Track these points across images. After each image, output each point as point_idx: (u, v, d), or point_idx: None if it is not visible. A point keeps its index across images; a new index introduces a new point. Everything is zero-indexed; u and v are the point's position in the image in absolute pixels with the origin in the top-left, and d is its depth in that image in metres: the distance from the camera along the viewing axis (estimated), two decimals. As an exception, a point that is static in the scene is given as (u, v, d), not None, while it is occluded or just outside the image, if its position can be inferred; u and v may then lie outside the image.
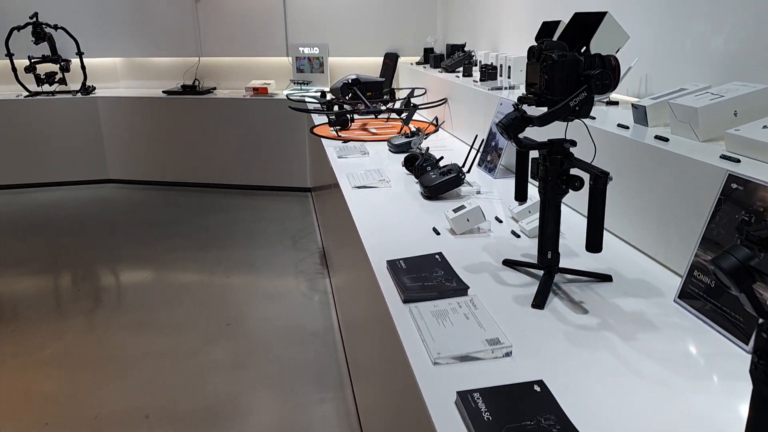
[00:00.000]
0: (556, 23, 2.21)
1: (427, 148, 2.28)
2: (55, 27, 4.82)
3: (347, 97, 3.19)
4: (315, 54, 4.88)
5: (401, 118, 3.07)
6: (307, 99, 4.46)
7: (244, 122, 4.78)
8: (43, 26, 4.78)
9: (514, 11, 3.11)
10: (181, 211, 4.48)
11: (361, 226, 1.68)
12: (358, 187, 2.06)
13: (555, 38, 2.29)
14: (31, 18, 4.74)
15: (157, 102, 4.91)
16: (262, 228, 4.01)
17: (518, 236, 1.58)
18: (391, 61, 4.68)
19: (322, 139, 2.96)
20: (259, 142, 4.79)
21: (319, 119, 3.32)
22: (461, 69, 3.27)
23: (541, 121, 1.14)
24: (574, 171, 1.21)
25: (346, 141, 2.86)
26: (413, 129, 2.70)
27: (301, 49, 4.88)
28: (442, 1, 4.62)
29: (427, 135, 2.63)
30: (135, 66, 5.35)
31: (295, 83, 4.86)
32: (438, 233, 1.61)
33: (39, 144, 4.98)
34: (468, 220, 1.60)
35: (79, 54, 4.97)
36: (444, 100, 3.05)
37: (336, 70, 4.96)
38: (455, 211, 1.61)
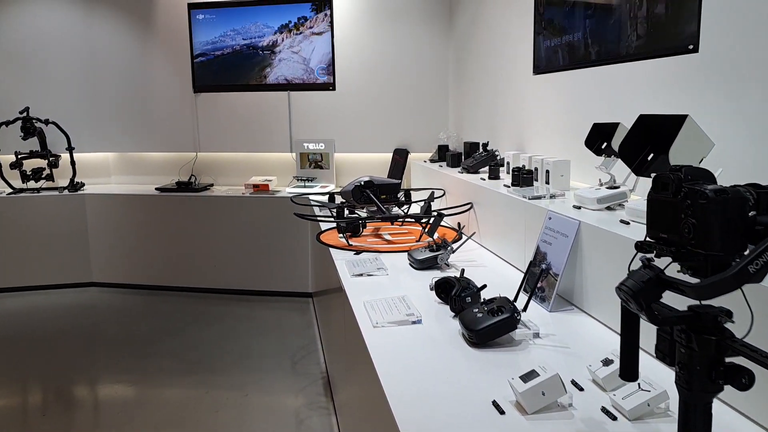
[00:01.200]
0: (612, 126, 1.88)
1: (462, 271, 1.87)
2: (46, 122, 4.58)
3: (359, 201, 2.84)
4: (320, 150, 4.61)
5: (421, 224, 2.70)
6: (311, 197, 4.14)
7: (242, 222, 4.42)
8: (33, 121, 4.54)
9: (540, 107, 2.84)
10: (169, 321, 4.01)
11: (391, 393, 1.24)
12: (381, 326, 1.63)
13: (615, 143, 1.98)
14: (21, 113, 4.50)
15: (149, 200, 4.58)
16: (257, 345, 3.53)
17: (614, 418, 1.14)
18: (400, 158, 4.40)
19: (331, 249, 2.57)
20: (257, 244, 4.41)
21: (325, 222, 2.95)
22: (485, 170, 2.95)
23: (703, 292, 0.74)
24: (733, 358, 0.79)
25: (358, 252, 2.47)
26: (437, 237, 2.32)
27: (305, 144, 4.63)
28: (455, 96, 4.40)
29: (454, 248, 2.24)
30: (128, 161, 5.08)
31: (298, 180, 4.56)
32: (501, 411, 1.17)
33: (19, 245, 4.59)
34: (544, 394, 1.16)
35: (70, 149, 4.70)
36: (469, 206, 2.69)
37: (342, 166, 4.68)
38: (524, 379, 1.18)
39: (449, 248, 2.22)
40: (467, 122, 4.05)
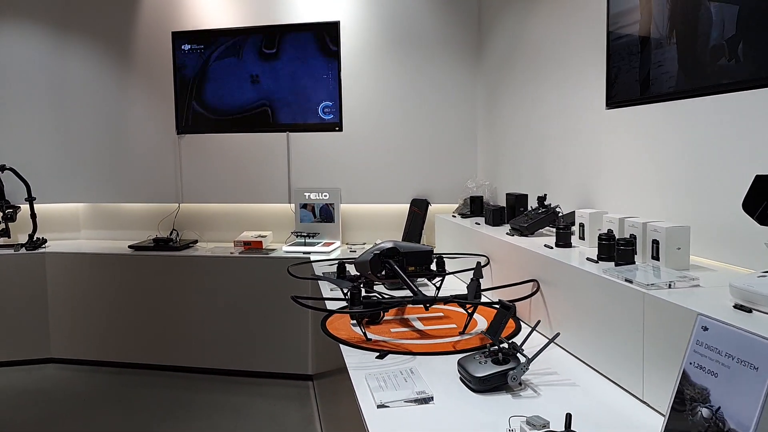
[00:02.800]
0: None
1: (568, 418, 1.14)
2: (2, 168, 3.90)
3: (380, 275, 2.11)
4: (325, 200, 3.91)
5: (466, 310, 1.96)
6: (313, 259, 3.42)
7: (231, 287, 3.68)
8: (-14, 168, 3.86)
9: (618, 150, 2.15)
10: (136, 413, 3.22)
11: None
12: None
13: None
14: (-28, 159, 3.83)
15: (122, 260, 3.85)
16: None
17: None
18: (420, 210, 3.70)
19: (342, 345, 1.83)
20: (248, 314, 3.66)
21: (327, 288, 2.21)
22: (545, 231, 2.24)
23: None
24: None
25: (381, 354, 1.73)
26: (492, 334, 1.58)
27: (307, 194, 3.93)
28: (486, 138, 3.73)
29: (530, 356, 1.50)
30: (101, 213, 4.37)
31: (297, 236, 3.84)
32: None
33: (-38, 314, 3.84)
34: None
35: (30, 199, 4.00)
36: (535, 288, 1.96)
37: (350, 219, 3.97)
38: None
39: (523, 359, 1.47)
40: (503, 169, 3.36)
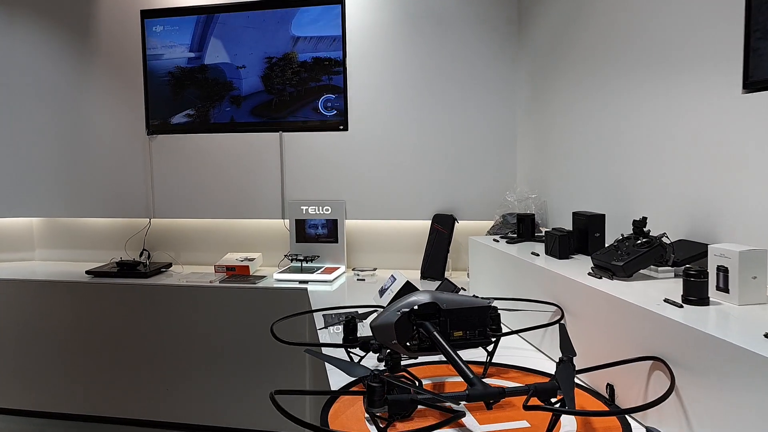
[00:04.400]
0: None
1: None
2: (-70, 177, 3.19)
3: (410, 344, 1.38)
4: (326, 216, 3.19)
5: (551, 408, 1.23)
6: (312, 289, 2.71)
7: (208, 325, 2.95)
8: None
9: (750, 153, 1.43)
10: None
11: None
12: None
13: None
14: None
15: (78, 289, 3.13)
16: None
17: None
18: (444, 228, 2.97)
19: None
20: (228, 358, 2.93)
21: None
22: (636, 269, 1.52)
23: None
24: None
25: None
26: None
27: (304, 208, 3.20)
28: (529, 138, 3.00)
29: None
30: (59, 229, 3.65)
31: (292, 259, 3.11)
32: None
33: None
34: None
35: (-33, 215, 3.29)
36: (667, 376, 1.23)
37: (356, 239, 3.24)
38: None
39: None
40: (556, 178, 2.63)
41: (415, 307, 1.37)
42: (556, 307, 1.70)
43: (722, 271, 1.32)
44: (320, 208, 3.17)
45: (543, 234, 2.39)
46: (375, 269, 3.11)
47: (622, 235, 1.70)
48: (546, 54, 2.69)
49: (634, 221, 1.67)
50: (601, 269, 1.64)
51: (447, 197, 3.07)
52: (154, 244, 3.44)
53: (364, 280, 2.97)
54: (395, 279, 2.25)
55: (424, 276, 2.95)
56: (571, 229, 2.03)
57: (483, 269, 2.37)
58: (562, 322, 1.62)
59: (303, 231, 3.20)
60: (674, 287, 1.42)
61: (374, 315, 1.78)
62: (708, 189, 1.65)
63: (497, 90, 3.03)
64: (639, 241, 1.62)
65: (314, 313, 2.21)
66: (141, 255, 3.38)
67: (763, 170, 1.44)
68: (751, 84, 1.47)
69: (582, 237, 1.96)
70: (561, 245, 1.91)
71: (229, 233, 3.40)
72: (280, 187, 3.25)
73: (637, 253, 1.58)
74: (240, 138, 3.29)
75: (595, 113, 2.23)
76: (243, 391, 2.92)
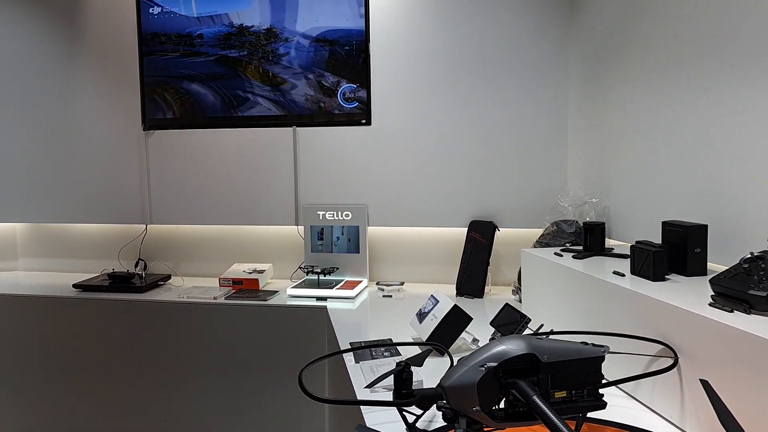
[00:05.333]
0: None
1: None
2: None
3: (497, 409, 1.00)
4: (346, 222, 2.81)
5: None
6: (332, 307, 2.34)
7: (212, 347, 2.57)
8: None
9: None
10: None
11: None
12: None
13: None
14: None
15: (63, 305, 2.75)
16: None
17: None
18: (483, 237, 2.59)
19: None
20: (235, 387, 2.55)
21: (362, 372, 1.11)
22: None
23: None
24: None
25: None
26: None
27: (321, 213, 2.82)
28: (584, 131, 2.62)
29: None
30: (45, 236, 3.28)
31: (307, 271, 2.73)
32: None
33: None
34: None
35: (-61, 221, 2.92)
36: None
37: (381, 248, 2.86)
38: None
39: None
40: (621, 179, 2.25)
41: (505, 360, 0.99)
42: (664, 347, 1.32)
43: None
44: (339, 213, 2.79)
45: (611, 248, 2.02)
46: (402, 283, 2.72)
47: (752, 253, 1.32)
48: (607, 35, 2.30)
49: (777, 236, 1.29)
50: (728, 299, 1.26)
51: (486, 201, 2.69)
52: (151, 254, 3.06)
53: (390, 296, 2.59)
54: (438, 301, 1.87)
55: (460, 292, 2.57)
56: (661, 242, 1.65)
57: (541, 290, 1.98)
58: (676, 368, 1.24)
59: (320, 239, 2.82)
60: None
61: (429, 353, 1.40)
62: None
63: (544, 76, 2.64)
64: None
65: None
66: (136, 266, 3.01)
67: None
68: None
69: (679, 253, 1.58)
70: (656, 263, 1.53)
71: (235, 241, 3.02)
72: (293, 190, 2.87)
73: (786, 281, 1.20)
74: (247, 134, 2.90)
75: (684, 104, 1.84)
76: (252, 422, 2.54)
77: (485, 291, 2.54)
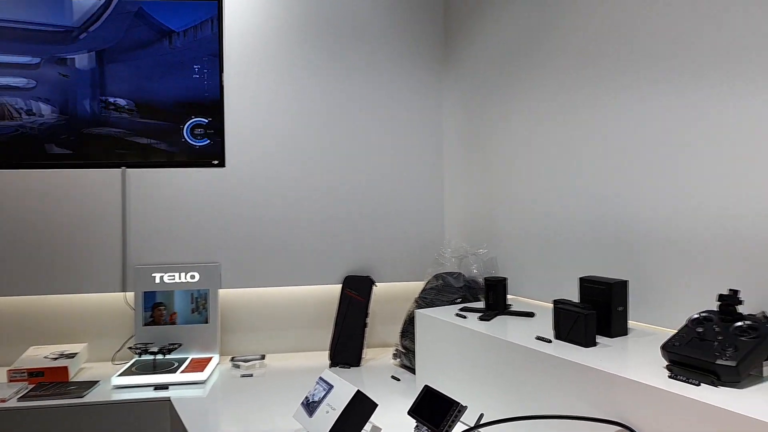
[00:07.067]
0: None
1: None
2: None
3: None
4: (192, 285, 2.28)
5: None
6: (176, 396, 1.83)
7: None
8: None
9: None
10: None
11: None
12: None
13: None
14: None
15: None
16: None
17: None
18: (359, 294, 2.28)
19: None
20: None
21: None
22: (749, 369, 1.04)
23: None
24: None
25: None
26: None
27: (158, 276, 2.26)
28: (460, 175, 2.48)
29: None
30: None
31: (140, 352, 2.14)
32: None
33: None
34: None
35: None
36: None
37: (236, 316, 2.37)
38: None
39: None
40: (510, 226, 2.12)
41: None
42: (622, 430, 1.12)
43: None
44: (183, 274, 2.26)
45: (510, 304, 1.85)
46: (263, 357, 2.27)
47: (700, 315, 1.20)
48: (482, 70, 2.21)
49: (723, 296, 1.18)
50: (687, 368, 1.11)
51: (361, 253, 2.39)
52: None
53: (251, 375, 2.13)
54: (331, 386, 1.50)
55: (334, 362, 2.21)
56: (579, 300, 1.51)
57: (443, 359, 1.72)
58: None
59: (157, 307, 2.25)
60: None
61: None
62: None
63: (419, 113, 2.46)
64: (738, 326, 1.13)
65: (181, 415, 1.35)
66: None
67: None
68: None
69: (600, 312, 1.44)
70: (588, 327, 1.36)
71: (32, 317, 2.29)
72: (120, 247, 2.27)
73: (747, 346, 1.08)
74: (59, 175, 2.25)
75: (581, 136, 1.76)
76: None
77: (362, 354, 2.22)
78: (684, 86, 1.42)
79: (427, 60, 2.46)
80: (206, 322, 2.26)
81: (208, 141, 2.27)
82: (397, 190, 2.44)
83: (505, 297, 1.75)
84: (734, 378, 1.05)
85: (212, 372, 2.13)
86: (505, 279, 1.75)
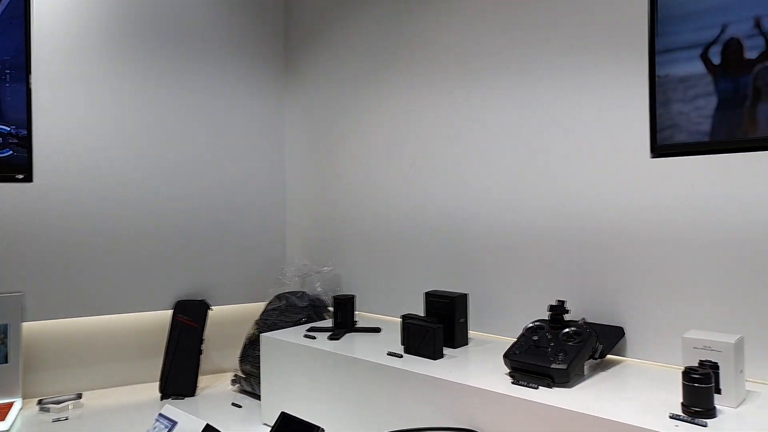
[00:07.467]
0: None
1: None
2: None
3: None
4: (-15, 322, 1.90)
5: None
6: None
7: None
8: None
9: (692, 228, 1.33)
10: None
11: None
12: None
13: None
14: None
15: None
16: None
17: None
18: (193, 320, 2.13)
19: None
20: None
21: None
22: (576, 369, 1.23)
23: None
24: None
25: None
26: None
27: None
28: (302, 190, 2.45)
29: None
30: None
31: None
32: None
33: None
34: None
35: None
36: None
37: (41, 352, 2.03)
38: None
39: None
40: (351, 243, 2.16)
41: None
42: (477, 437, 1.22)
43: (711, 367, 1.11)
44: (-28, 307, 1.88)
45: (355, 320, 1.88)
46: (80, 396, 1.99)
47: (534, 324, 1.35)
48: (325, 92, 2.23)
49: (552, 306, 1.35)
50: (528, 374, 1.25)
51: (194, 276, 2.22)
52: None
53: (65, 418, 1.85)
54: (174, 422, 1.38)
55: (165, 393, 2.03)
56: (425, 314, 1.60)
57: (292, 381, 1.68)
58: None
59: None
60: (641, 390, 1.14)
61: None
62: (604, 255, 1.45)
63: (260, 130, 2.39)
64: (565, 332, 1.30)
65: None
66: None
67: (665, 225, 1.31)
68: (658, 149, 1.35)
69: (444, 325, 1.55)
70: (437, 340, 1.45)
71: None
72: None
73: (574, 350, 1.25)
74: None
75: (420, 153, 1.87)
76: None
77: (198, 382, 2.08)
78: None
79: (267, 70, 2.41)
80: (5, 362, 1.91)
81: (11, 152, 1.92)
82: (234, 205, 2.33)
83: (353, 314, 1.79)
84: (565, 379, 1.21)
85: (14, 419, 1.80)
86: (353, 296, 1.78)
